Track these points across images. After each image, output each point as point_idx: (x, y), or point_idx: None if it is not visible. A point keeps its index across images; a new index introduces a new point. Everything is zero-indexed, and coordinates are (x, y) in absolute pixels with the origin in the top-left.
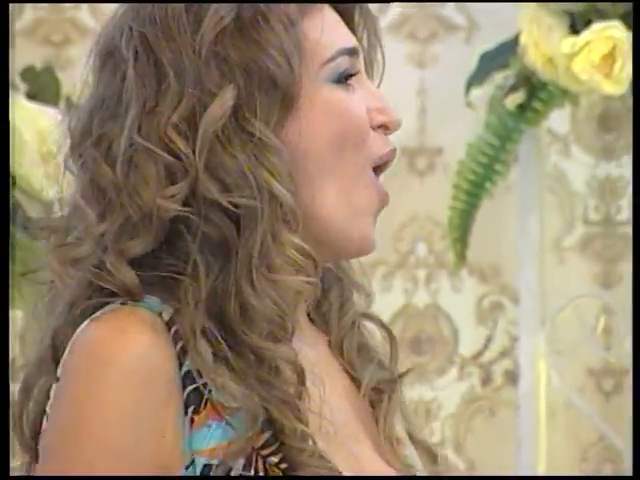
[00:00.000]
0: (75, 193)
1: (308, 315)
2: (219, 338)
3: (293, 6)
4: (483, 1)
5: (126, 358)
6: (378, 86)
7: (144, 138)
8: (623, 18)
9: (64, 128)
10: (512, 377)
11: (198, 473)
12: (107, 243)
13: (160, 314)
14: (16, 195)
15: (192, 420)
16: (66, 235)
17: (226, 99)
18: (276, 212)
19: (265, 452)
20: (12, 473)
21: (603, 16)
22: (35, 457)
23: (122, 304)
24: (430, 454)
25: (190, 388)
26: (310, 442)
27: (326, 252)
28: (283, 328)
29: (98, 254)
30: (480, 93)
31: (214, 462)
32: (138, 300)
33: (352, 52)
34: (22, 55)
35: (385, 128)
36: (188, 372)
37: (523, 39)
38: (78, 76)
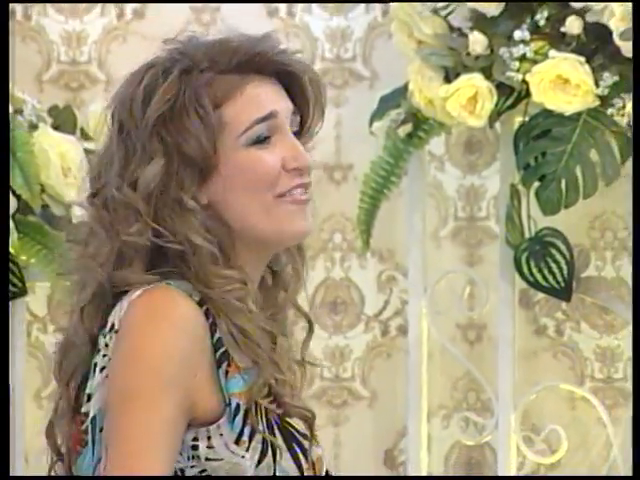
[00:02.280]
0: (90, 219)
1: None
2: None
3: (216, 95)
4: (478, 1)
5: (178, 315)
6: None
7: (118, 190)
8: (483, 71)
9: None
10: (403, 330)
11: (233, 409)
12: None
13: (190, 295)
14: (45, 198)
15: (227, 372)
16: (85, 244)
17: (155, 168)
18: (200, 254)
19: (263, 401)
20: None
21: (468, 70)
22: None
23: (167, 283)
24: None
25: (221, 350)
26: (287, 389)
27: (271, 247)
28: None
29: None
30: (380, 125)
31: (240, 402)
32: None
33: (267, 118)
34: (49, 97)
35: (298, 170)
36: (219, 339)
37: (411, 86)
38: (89, 113)
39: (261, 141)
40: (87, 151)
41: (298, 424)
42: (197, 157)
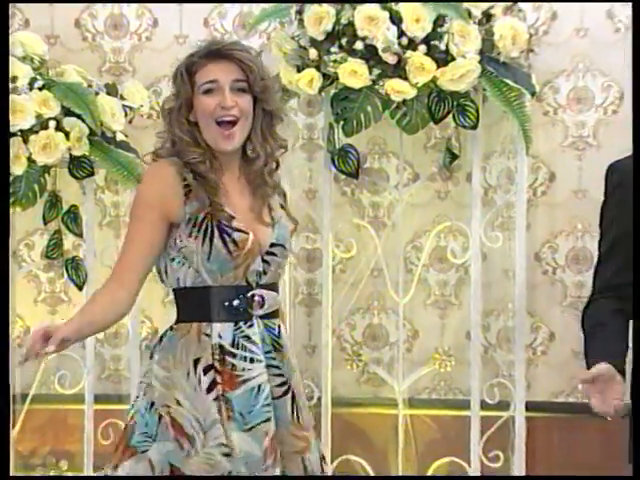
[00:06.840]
0: (170, 125)
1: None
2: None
3: (195, 65)
4: (480, 1)
5: (156, 172)
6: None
7: (169, 113)
8: (316, 67)
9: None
10: None
11: (187, 218)
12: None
13: (175, 163)
14: (103, 128)
15: (185, 200)
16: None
17: (173, 99)
18: (185, 137)
19: (213, 214)
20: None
21: (309, 67)
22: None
23: (164, 159)
24: (294, 220)
25: (186, 190)
26: (223, 211)
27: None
28: (212, 168)
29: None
30: None
31: (191, 215)
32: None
33: (210, 82)
34: (105, 79)
35: (224, 107)
36: (187, 184)
37: (281, 74)
38: (124, 87)
39: (207, 92)
40: (124, 106)
41: (235, 225)
42: (183, 96)
